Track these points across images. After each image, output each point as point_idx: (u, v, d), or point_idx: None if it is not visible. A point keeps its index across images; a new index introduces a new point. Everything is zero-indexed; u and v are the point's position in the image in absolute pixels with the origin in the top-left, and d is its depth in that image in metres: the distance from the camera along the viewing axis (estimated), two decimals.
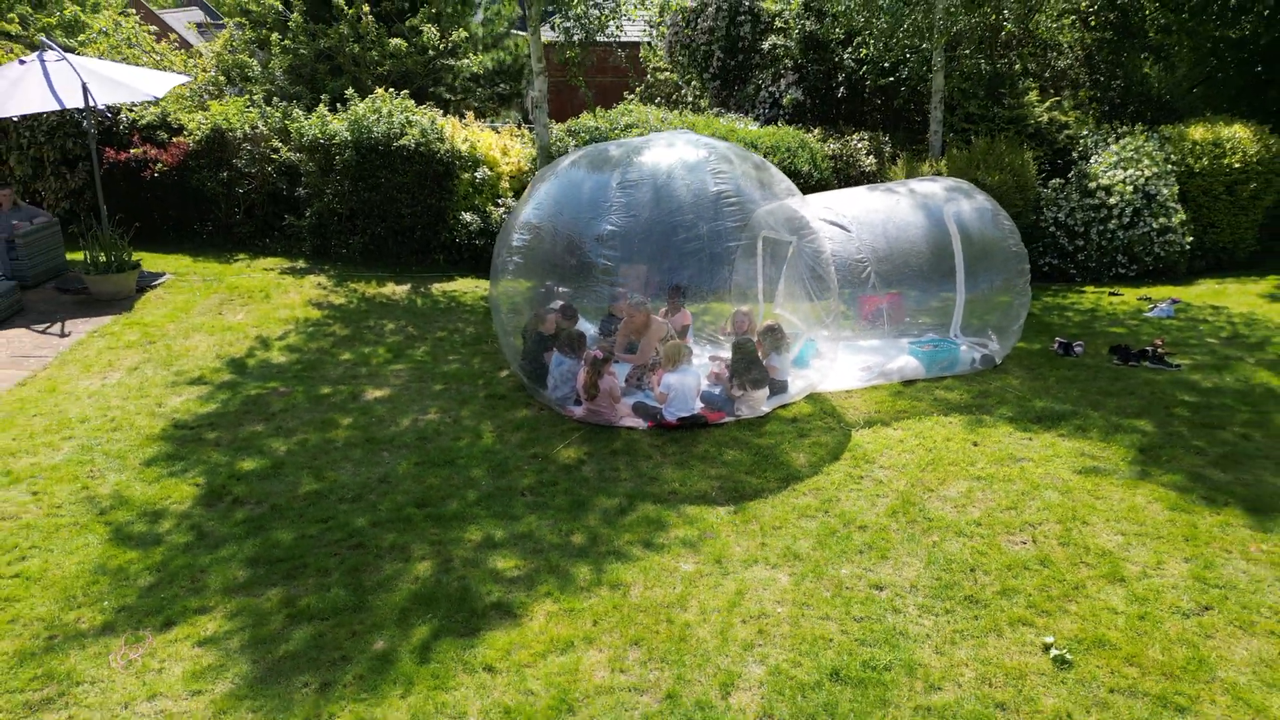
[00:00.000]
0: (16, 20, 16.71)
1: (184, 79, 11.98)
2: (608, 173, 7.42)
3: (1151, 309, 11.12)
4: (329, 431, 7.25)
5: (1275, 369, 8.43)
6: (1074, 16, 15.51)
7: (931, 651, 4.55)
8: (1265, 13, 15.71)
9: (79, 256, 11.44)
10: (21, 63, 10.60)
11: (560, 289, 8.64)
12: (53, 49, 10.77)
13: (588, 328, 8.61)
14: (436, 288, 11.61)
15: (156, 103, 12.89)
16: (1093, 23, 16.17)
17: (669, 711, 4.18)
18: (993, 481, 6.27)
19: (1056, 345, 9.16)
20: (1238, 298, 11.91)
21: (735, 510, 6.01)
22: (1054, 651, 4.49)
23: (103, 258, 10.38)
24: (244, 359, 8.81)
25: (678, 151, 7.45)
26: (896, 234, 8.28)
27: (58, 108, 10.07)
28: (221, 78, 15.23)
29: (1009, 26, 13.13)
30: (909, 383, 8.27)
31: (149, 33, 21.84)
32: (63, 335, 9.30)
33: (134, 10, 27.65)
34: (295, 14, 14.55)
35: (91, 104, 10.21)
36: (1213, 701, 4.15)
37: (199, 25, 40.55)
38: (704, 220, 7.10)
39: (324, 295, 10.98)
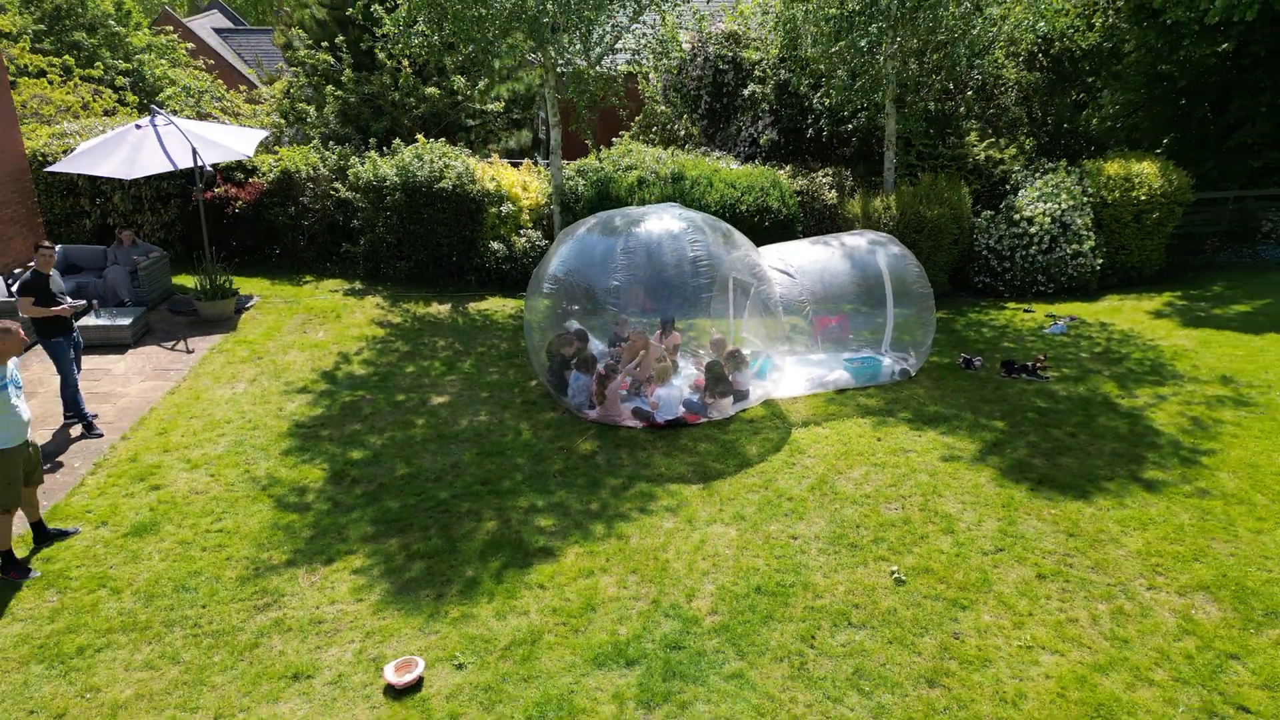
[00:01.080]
0: (101, 67, 19.19)
1: (263, 133, 14.44)
2: (614, 238, 9.98)
3: (1051, 326, 13.68)
4: (409, 430, 9.84)
5: (1120, 381, 11.00)
6: (1016, 60, 17.95)
7: (821, 576, 7.15)
8: (1181, 56, 18.21)
9: (181, 280, 14.04)
10: (138, 127, 13.06)
11: (572, 308, 11.20)
12: (160, 113, 13.25)
13: (596, 345, 11.20)
14: (472, 307, 14.18)
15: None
16: (1035, 66, 18.60)
17: (653, 611, 6.79)
18: (884, 467, 8.86)
19: (961, 360, 11.74)
20: (1129, 314, 14.47)
21: (703, 487, 8.61)
22: (896, 575, 7.09)
23: (209, 286, 12.94)
24: (333, 371, 11.39)
25: (665, 224, 10.00)
26: (830, 279, 10.86)
27: (174, 169, 12.57)
28: (281, 120, 17.71)
29: (959, 66, 15.35)
30: (841, 391, 10.84)
31: (201, 66, 24.39)
32: (188, 352, 11.87)
33: (172, 28, 30.07)
34: (346, 68, 17.01)
35: (200, 164, 12.73)
36: (985, 604, 6.75)
37: (220, 31, 42.75)
38: (684, 276, 9.65)
39: (383, 315, 13.55)
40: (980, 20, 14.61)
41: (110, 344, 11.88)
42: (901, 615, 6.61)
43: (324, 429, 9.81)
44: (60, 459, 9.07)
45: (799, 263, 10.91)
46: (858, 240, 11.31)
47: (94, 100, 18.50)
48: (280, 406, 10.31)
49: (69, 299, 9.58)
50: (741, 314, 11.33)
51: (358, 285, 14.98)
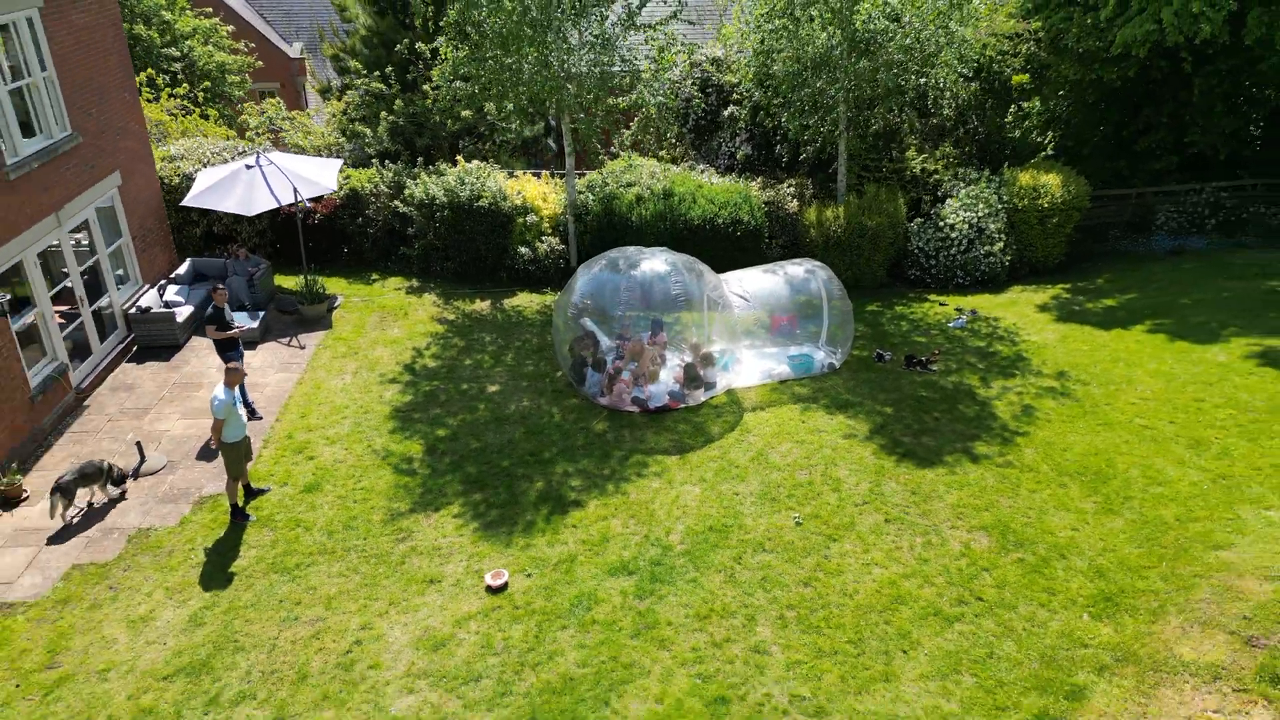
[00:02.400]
0: (185, 84, 22.67)
1: (338, 163, 18.09)
2: (619, 275, 13.88)
3: (954, 320, 17.61)
4: (474, 413, 13.90)
5: (984, 375, 15.01)
6: (958, 76, 21.33)
7: (750, 520, 11.28)
8: (1092, 79, 21.66)
9: (278, 280, 17.94)
10: (248, 167, 16.75)
11: (585, 302, 15.07)
12: (263, 155, 16.92)
13: (604, 340, 15.14)
14: (507, 303, 18.11)
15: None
16: (973, 84, 21.97)
17: (644, 542, 10.93)
18: (803, 443, 12.94)
19: (875, 355, 15.73)
20: (1022, 308, 18.39)
21: (679, 458, 12.70)
22: (797, 519, 11.23)
23: (308, 292, 16.84)
24: (411, 364, 15.40)
25: (655, 265, 13.87)
26: (775, 300, 14.80)
27: (280, 205, 16.30)
28: (342, 138, 21.28)
29: (909, 83, 18.62)
30: (783, 382, 14.87)
31: (243, 50, 27.70)
32: (301, 347, 15.86)
33: (214, 11, 33.01)
34: (395, 95, 20.55)
35: (299, 199, 16.48)
36: (848, 539, 10.89)
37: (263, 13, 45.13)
38: (668, 304, 13.58)
39: (440, 312, 17.49)
40: (915, 63, 18.09)
41: (244, 342, 15.85)
42: (795, 545, 10.77)
43: (414, 413, 13.87)
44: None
45: (753, 289, 14.84)
46: (797, 269, 15.20)
47: (182, 116, 22.05)
48: (379, 394, 14.36)
49: (237, 325, 13.53)
50: (712, 326, 15.27)
51: (414, 283, 18.88)
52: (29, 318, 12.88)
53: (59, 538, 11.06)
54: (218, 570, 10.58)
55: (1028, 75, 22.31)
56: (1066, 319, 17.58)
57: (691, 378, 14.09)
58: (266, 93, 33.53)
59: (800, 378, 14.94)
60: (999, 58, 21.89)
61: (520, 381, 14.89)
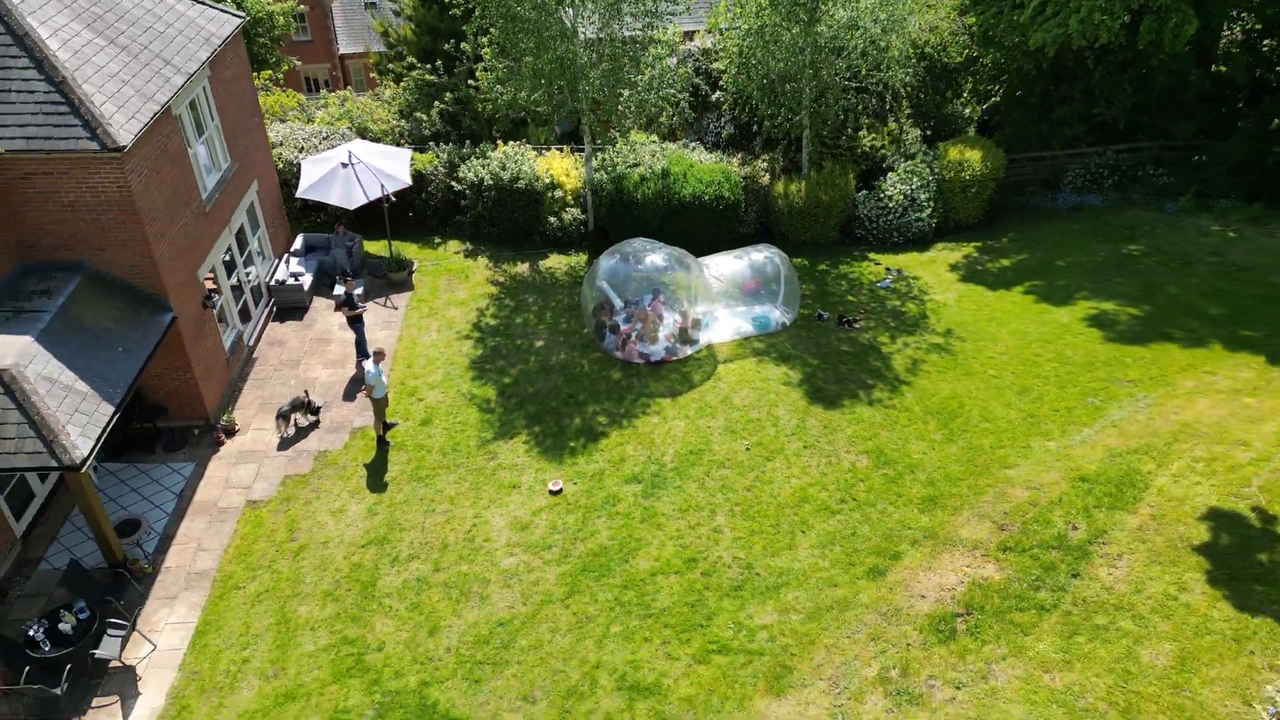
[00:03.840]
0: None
1: (408, 153, 23.11)
2: (629, 264, 19.41)
3: (882, 280, 23.10)
4: (528, 364, 19.70)
5: (891, 331, 20.66)
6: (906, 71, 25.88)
7: (716, 446, 17.26)
8: (1015, 66, 26.29)
9: (367, 247, 23.38)
10: (344, 165, 21.86)
11: (607, 283, 20.66)
12: (356, 156, 21.98)
13: (616, 300, 20.72)
14: (542, 265, 23.58)
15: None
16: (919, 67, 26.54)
17: (647, 461, 16.94)
18: (757, 389, 18.80)
19: (816, 314, 21.36)
20: (939, 266, 23.85)
21: (671, 400, 18.60)
22: (747, 446, 17.23)
23: (393, 261, 22.33)
24: (478, 321, 21.09)
25: (654, 258, 19.36)
26: (741, 279, 20.35)
27: (371, 199, 21.51)
28: (402, 121, 26.09)
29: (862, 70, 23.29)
30: (748, 338, 20.57)
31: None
32: (394, 309, 21.51)
33: None
34: (447, 89, 25.30)
35: (386, 193, 21.71)
36: (779, 459, 16.88)
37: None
38: (661, 287, 19.19)
39: (492, 275, 23.02)
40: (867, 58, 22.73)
41: (349, 301, 21.46)
42: (744, 464, 16.81)
43: (485, 364, 19.68)
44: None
45: (726, 273, 20.36)
46: (759, 255, 20.69)
47: (266, 95, 26.78)
48: (459, 349, 20.13)
49: (360, 305, 19.16)
50: (696, 297, 20.86)
51: (468, 246, 24.31)
52: (220, 303, 18.50)
53: (275, 454, 17.11)
54: (376, 479, 16.67)
55: (962, 59, 26.95)
56: (968, 279, 23.12)
57: (683, 337, 19.83)
58: (298, 17, 38.09)
59: (760, 334, 20.65)
60: (940, 47, 26.45)
61: (558, 337, 20.63)
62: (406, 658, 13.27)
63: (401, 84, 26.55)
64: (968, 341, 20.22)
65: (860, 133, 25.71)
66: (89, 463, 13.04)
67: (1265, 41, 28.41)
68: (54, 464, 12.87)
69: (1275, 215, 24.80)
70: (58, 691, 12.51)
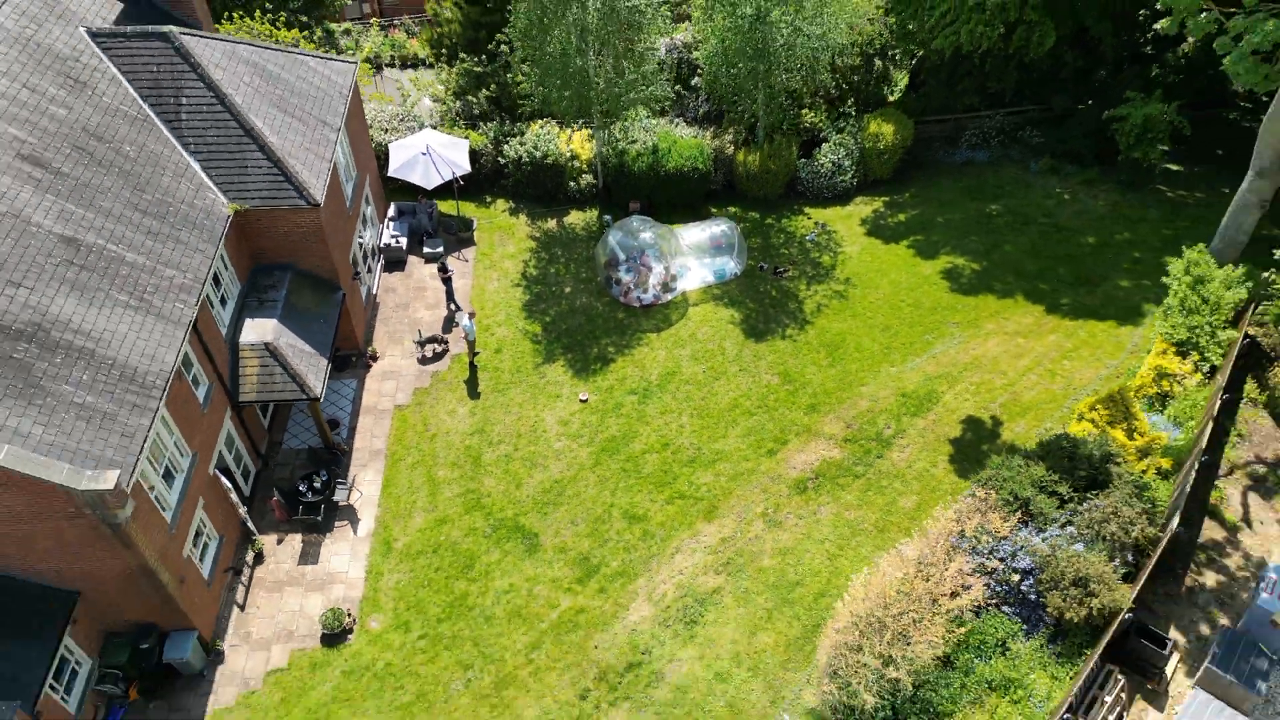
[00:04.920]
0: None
1: (466, 143, 31.63)
2: (629, 238, 28.81)
3: (810, 233, 32.31)
4: (561, 307, 29.41)
5: (809, 280, 30.15)
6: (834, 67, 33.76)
7: (685, 369, 27.29)
8: (925, 55, 34.32)
9: (442, 207, 32.56)
10: (422, 154, 30.61)
11: (615, 249, 30.02)
12: (431, 146, 30.68)
13: (621, 256, 30.16)
14: (566, 221, 32.75)
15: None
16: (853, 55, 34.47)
17: (640, 380, 27.01)
18: (714, 327, 28.58)
19: (759, 265, 30.81)
20: (852, 221, 33.02)
21: (656, 334, 28.49)
22: (705, 369, 27.30)
23: (460, 221, 31.55)
24: (524, 272, 30.60)
25: (646, 234, 28.68)
26: (707, 239, 29.76)
27: (446, 179, 30.41)
28: (455, 101, 34.29)
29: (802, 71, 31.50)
30: (709, 286, 30.16)
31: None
32: (466, 261, 30.98)
33: None
34: (493, 81, 33.42)
35: (455, 175, 30.63)
36: (723, 379, 26.94)
37: None
38: (650, 250, 28.66)
39: (530, 230, 32.26)
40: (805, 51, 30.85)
41: (434, 259, 30.89)
42: (701, 382, 26.92)
43: (532, 307, 29.40)
44: (465, 328, 28.82)
45: (695, 239, 29.75)
46: (718, 227, 29.97)
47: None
48: (513, 295, 29.79)
49: (449, 270, 28.65)
50: (674, 256, 30.20)
51: (511, 204, 33.36)
52: (362, 273, 27.94)
53: (405, 372, 27.21)
54: (472, 391, 26.85)
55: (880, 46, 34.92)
56: (872, 233, 32.36)
57: (665, 286, 29.47)
58: None
59: (718, 283, 30.22)
60: (868, 40, 34.34)
61: (580, 285, 30.21)
62: (503, 500, 23.90)
63: (454, 69, 34.53)
64: (858, 288, 29.83)
65: (804, 111, 34.06)
66: (321, 393, 23.17)
67: (1141, 11, 35.70)
68: (304, 397, 22.98)
69: (1107, 178, 33.65)
70: (318, 518, 23.23)
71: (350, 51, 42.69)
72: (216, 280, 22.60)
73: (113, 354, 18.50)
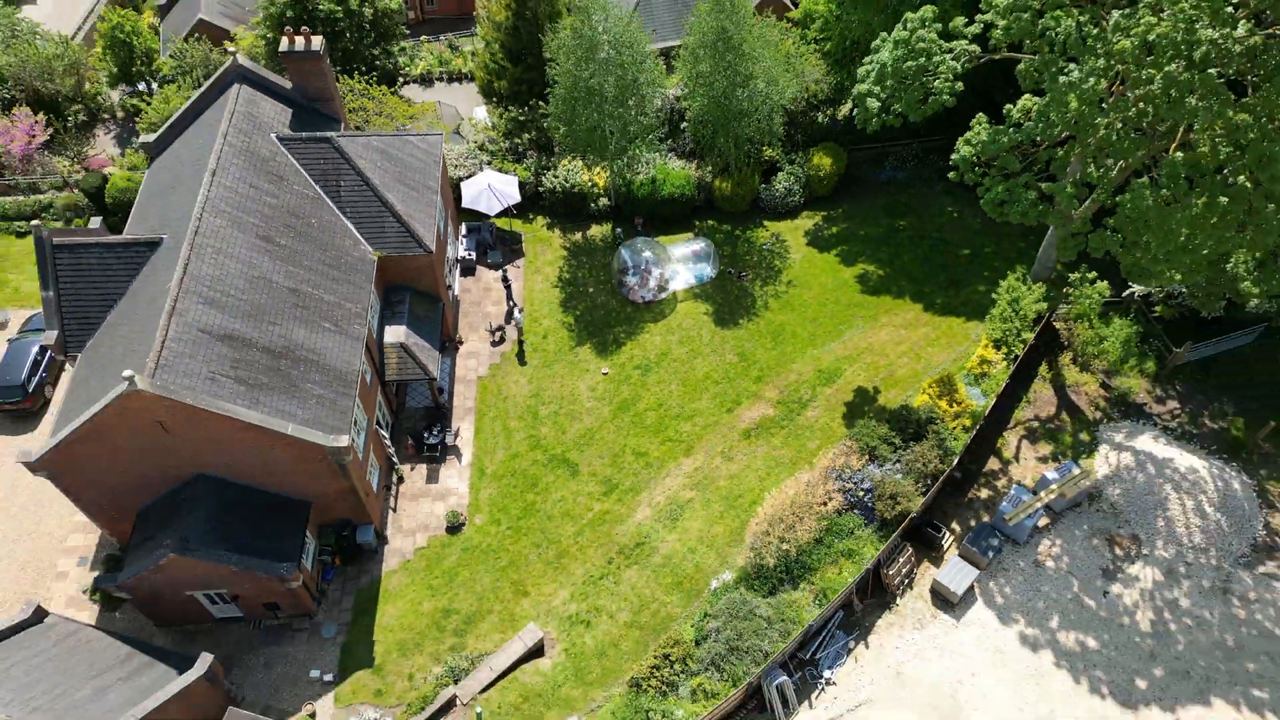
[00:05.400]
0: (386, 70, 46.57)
1: (515, 179, 43.38)
2: (634, 253, 41.13)
3: (766, 243, 44.47)
4: (589, 304, 41.86)
5: (761, 281, 42.46)
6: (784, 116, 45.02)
7: (674, 350, 39.97)
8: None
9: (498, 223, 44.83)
10: (487, 189, 42.59)
11: (625, 261, 42.29)
12: (493, 186, 42.67)
13: (630, 264, 42.49)
14: (587, 234, 44.93)
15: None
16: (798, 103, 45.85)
17: (643, 358, 39.71)
18: (695, 319, 41.08)
19: (727, 270, 43.11)
20: (797, 233, 45.17)
21: (655, 324, 41.04)
22: (689, 350, 40.02)
23: (512, 234, 43.75)
24: (559, 275, 42.97)
25: (646, 253, 40.93)
26: (689, 254, 42.06)
27: (504, 207, 42.45)
28: (505, 142, 45.86)
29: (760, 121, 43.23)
30: (691, 287, 42.55)
31: None
32: (518, 267, 43.35)
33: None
34: (531, 120, 45.02)
35: (509, 206, 42.70)
36: (700, 358, 39.60)
37: None
38: (649, 261, 41.02)
39: (562, 242, 44.47)
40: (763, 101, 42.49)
41: (495, 266, 43.21)
42: (684, 359, 39.62)
43: (567, 303, 41.88)
44: (516, 319, 41.38)
45: (682, 252, 42.03)
46: (699, 244, 42.20)
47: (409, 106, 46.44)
48: (553, 294, 42.26)
49: (509, 278, 41.04)
50: (666, 265, 42.46)
51: (548, 221, 45.47)
52: (452, 283, 40.34)
53: (482, 353, 39.96)
54: (528, 366, 39.65)
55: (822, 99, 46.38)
56: (811, 244, 44.54)
57: (660, 286, 41.92)
58: None
59: (698, 284, 42.61)
60: (815, 94, 45.76)
61: (599, 285, 42.63)
62: (554, 441, 36.95)
63: (503, 118, 46.04)
64: (797, 288, 42.23)
65: (765, 149, 45.71)
66: (438, 375, 35.99)
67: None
68: (425, 377, 35.80)
69: None
70: (436, 454, 36.40)
71: (406, 67, 53.71)
72: (371, 305, 35.24)
73: (328, 362, 31.28)
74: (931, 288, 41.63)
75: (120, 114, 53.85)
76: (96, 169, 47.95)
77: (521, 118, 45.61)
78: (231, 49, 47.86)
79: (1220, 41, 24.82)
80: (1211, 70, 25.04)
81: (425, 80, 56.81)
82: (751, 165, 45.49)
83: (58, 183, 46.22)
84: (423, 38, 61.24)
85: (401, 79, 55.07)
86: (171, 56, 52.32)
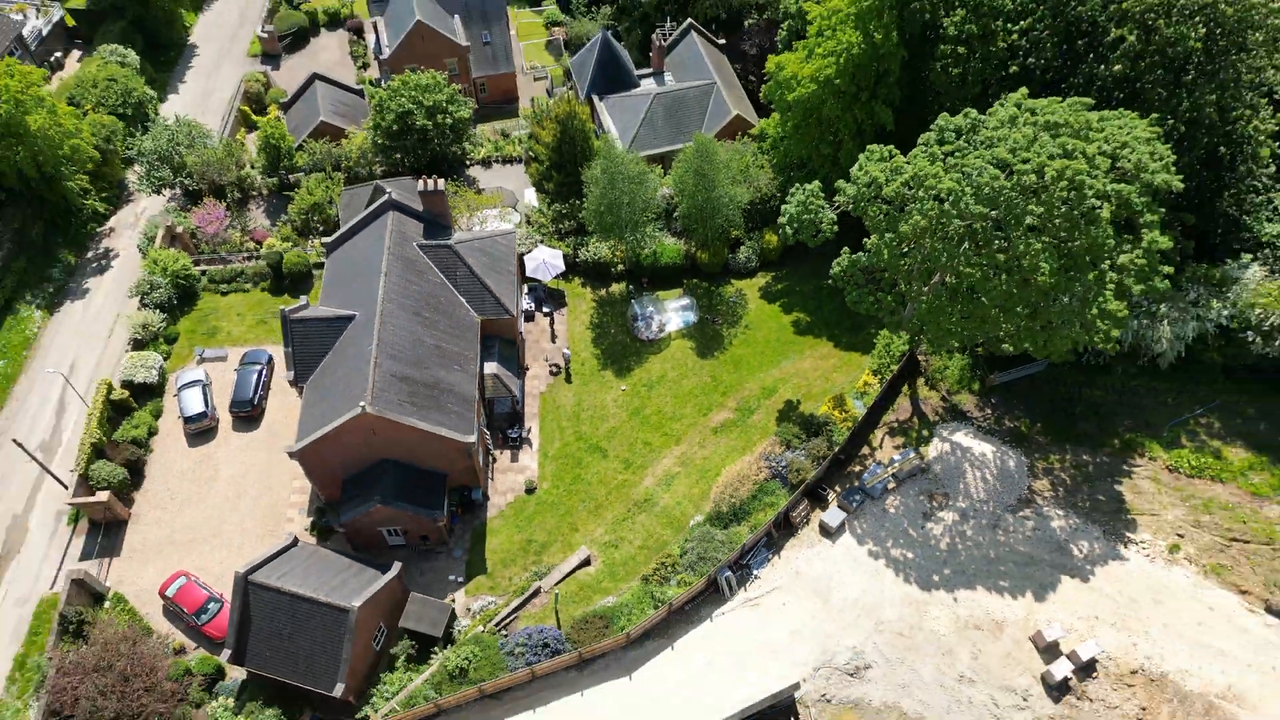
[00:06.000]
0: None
1: (560, 253, 63.61)
2: (641, 306, 61.74)
3: (732, 296, 64.95)
4: (610, 340, 62.50)
5: (729, 325, 62.94)
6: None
7: (670, 374, 60.62)
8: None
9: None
10: (543, 263, 63.03)
11: (635, 311, 62.86)
12: (546, 260, 63.15)
13: (640, 314, 62.99)
14: (610, 289, 65.49)
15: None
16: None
17: (647, 379, 60.31)
18: (684, 351, 61.58)
19: (704, 316, 63.65)
20: (753, 289, 65.71)
21: (656, 355, 61.61)
22: (680, 375, 60.78)
23: (558, 291, 64.37)
24: (591, 320, 63.48)
25: (650, 306, 61.48)
26: (680, 306, 62.79)
27: (553, 274, 62.94)
28: (552, 226, 66.10)
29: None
30: (680, 329, 63.12)
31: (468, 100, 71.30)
32: (563, 315, 63.98)
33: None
34: (569, 211, 65.43)
35: (556, 271, 63.26)
36: (685, 379, 60.43)
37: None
38: (651, 311, 61.65)
39: (593, 297, 64.94)
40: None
41: (547, 314, 63.79)
42: (676, 380, 60.26)
43: (595, 340, 62.48)
44: (564, 353, 62.05)
45: (675, 305, 62.65)
46: (686, 299, 62.79)
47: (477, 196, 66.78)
48: (587, 334, 62.81)
49: (544, 311, 61.71)
50: (664, 314, 63.02)
51: (582, 281, 66.03)
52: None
53: (542, 377, 60.73)
54: (573, 385, 60.39)
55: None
56: (764, 297, 65.04)
57: (660, 330, 62.55)
58: (450, 71, 76.45)
59: (685, 327, 63.21)
60: (765, 195, 66.02)
61: (621, 327, 63.18)
62: (591, 435, 57.75)
63: (550, 207, 66.30)
64: (752, 330, 62.81)
65: (732, 230, 65.94)
66: (520, 396, 56.83)
67: None
68: (511, 395, 56.63)
69: None
70: (516, 444, 57.38)
71: (471, 154, 73.94)
72: (478, 352, 56.10)
73: (458, 390, 52.16)
74: (839, 331, 62.18)
75: (266, 192, 74.03)
76: (259, 240, 68.50)
77: (564, 211, 65.96)
78: (357, 156, 68.34)
79: (968, 222, 45.17)
80: (955, 237, 45.38)
81: (485, 162, 77.03)
82: (722, 241, 65.84)
83: (245, 255, 66.74)
84: (480, 126, 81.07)
85: (468, 162, 75.37)
86: (304, 151, 72.74)
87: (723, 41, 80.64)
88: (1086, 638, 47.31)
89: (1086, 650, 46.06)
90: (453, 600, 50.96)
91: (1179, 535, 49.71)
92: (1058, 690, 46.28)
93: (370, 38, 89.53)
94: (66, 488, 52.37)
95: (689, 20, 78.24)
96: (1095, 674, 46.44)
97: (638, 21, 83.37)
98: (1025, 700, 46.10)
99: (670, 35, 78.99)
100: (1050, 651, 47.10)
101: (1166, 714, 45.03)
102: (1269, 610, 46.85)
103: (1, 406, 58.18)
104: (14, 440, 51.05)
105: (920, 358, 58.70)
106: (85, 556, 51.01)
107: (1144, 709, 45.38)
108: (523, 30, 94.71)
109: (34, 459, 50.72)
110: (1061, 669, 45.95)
